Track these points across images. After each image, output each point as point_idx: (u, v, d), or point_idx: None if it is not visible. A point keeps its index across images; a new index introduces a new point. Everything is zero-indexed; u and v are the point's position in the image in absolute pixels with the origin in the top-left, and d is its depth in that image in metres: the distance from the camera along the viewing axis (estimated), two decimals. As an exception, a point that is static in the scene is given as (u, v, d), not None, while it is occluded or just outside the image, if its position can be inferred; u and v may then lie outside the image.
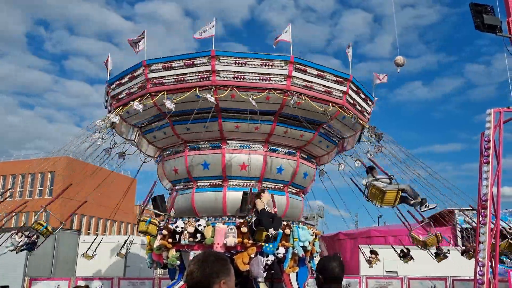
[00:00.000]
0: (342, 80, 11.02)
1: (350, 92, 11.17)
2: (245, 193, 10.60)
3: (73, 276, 15.69)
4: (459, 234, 21.30)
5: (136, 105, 10.26)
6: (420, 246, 12.19)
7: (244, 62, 10.26)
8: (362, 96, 11.83)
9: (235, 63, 10.24)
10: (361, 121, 11.59)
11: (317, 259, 11.65)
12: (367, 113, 12.21)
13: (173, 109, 10.04)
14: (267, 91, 10.15)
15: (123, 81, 11.34)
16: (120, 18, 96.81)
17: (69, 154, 12.45)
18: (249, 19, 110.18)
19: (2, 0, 73.08)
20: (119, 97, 11.47)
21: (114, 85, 11.61)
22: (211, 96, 9.84)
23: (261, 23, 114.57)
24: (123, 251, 17.27)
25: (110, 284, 15.02)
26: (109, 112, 12.01)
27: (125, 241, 17.39)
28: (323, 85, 10.76)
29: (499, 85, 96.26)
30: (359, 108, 11.76)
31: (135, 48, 11.12)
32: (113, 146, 12.81)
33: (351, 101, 11.36)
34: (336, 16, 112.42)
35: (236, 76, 10.21)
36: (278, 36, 10.95)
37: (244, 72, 10.24)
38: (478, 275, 8.34)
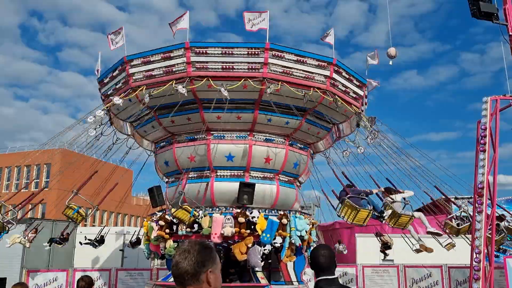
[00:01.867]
0: (325, 64, 10.79)
1: (335, 76, 10.93)
2: (241, 184, 10.61)
3: (71, 267, 15.69)
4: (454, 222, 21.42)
5: (116, 99, 10.30)
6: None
7: (205, 51, 10.23)
8: (352, 79, 11.56)
9: (200, 52, 10.21)
10: (347, 105, 11.32)
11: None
12: (358, 96, 11.91)
13: (147, 103, 10.22)
14: (242, 79, 10.08)
15: (109, 77, 11.55)
16: (114, 9, 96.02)
17: (64, 146, 12.42)
18: (243, 9, 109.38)
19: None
20: (108, 93, 11.65)
21: (103, 82, 11.88)
22: (183, 87, 9.84)
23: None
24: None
25: (108, 275, 15.04)
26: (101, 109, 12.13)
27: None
28: (303, 70, 10.57)
29: (493, 74, 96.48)
30: (350, 92, 11.52)
31: (111, 45, 11.17)
32: (116, 141, 12.94)
33: (338, 85, 11.12)
34: (330, 5, 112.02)
35: (203, 66, 10.20)
36: (247, 21, 10.46)
37: (216, 62, 10.21)
38: (474, 262, 8.41)
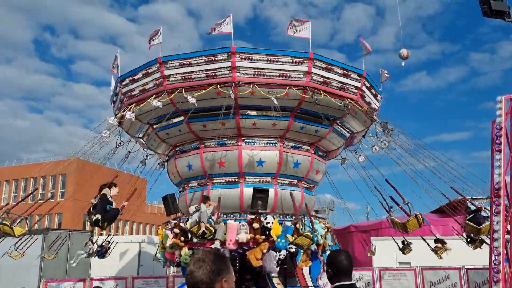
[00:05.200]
0: (357, 76, 11.09)
1: (364, 88, 11.23)
2: (255, 189, 10.61)
3: (88, 276, 15.82)
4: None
5: (155, 102, 10.07)
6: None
7: (251, 57, 10.16)
8: (373, 92, 11.93)
9: (245, 58, 10.13)
10: (374, 117, 11.62)
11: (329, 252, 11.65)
12: (376, 107, 12.28)
13: (196, 104, 9.86)
14: (287, 87, 10.12)
15: (136, 77, 11.10)
16: (124, 20, 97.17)
17: (79, 156, 12.51)
18: (252, 17, 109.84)
19: (9, 7, 73.63)
20: (132, 94, 11.26)
21: (126, 81, 11.36)
22: (232, 92, 9.78)
23: (264, 20, 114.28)
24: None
25: (124, 283, 15.13)
26: (118, 109, 11.97)
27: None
28: (339, 81, 10.79)
29: (504, 72, 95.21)
30: (371, 104, 11.81)
31: (149, 43, 10.98)
32: (119, 145, 12.80)
33: (364, 97, 11.42)
34: (338, 10, 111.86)
35: (256, 73, 10.12)
36: (291, 26, 10.58)
37: (264, 69, 10.15)
38: (493, 264, 8.27)
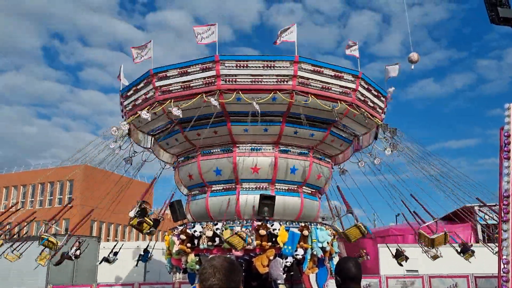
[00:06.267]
0: (351, 77, 10.83)
1: (360, 89, 10.98)
2: (261, 196, 10.59)
3: (95, 282, 15.85)
4: (479, 230, 20.97)
5: (144, 113, 10.30)
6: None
7: (245, 64, 10.19)
8: (374, 92, 11.63)
9: (236, 66, 10.16)
10: (371, 118, 11.39)
11: (336, 259, 11.58)
12: (380, 108, 11.99)
13: (181, 116, 10.03)
14: (272, 92, 10.08)
15: (133, 90, 11.47)
16: (132, 28, 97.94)
17: (87, 162, 12.59)
18: (258, 24, 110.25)
19: (19, 15, 74.50)
20: (130, 106, 11.65)
21: (126, 95, 11.82)
22: (215, 100, 9.84)
23: (270, 27, 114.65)
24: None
25: (131, 289, 15.14)
26: (124, 121, 12.14)
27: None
28: (332, 84, 10.58)
29: (511, 79, 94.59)
30: (371, 105, 11.56)
31: (135, 58, 11.20)
32: (133, 155, 13.06)
33: (362, 98, 11.16)
34: (344, 17, 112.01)
35: (240, 80, 10.15)
36: (279, 35, 10.63)
37: (246, 75, 10.17)
38: (502, 273, 8.19)
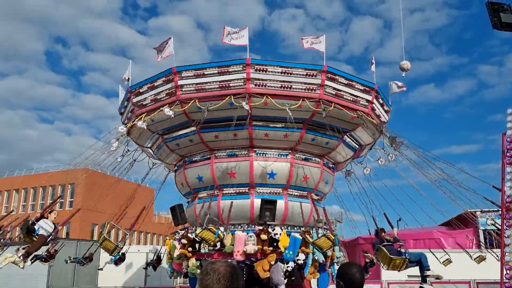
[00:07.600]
0: (368, 89, 11.10)
1: (374, 100, 11.29)
2: (263, 201, 10.57)
3: (95, 286, 15.82)
4: (481, 236, 20.91)
5: (167, 111, 10.12)
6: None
7: (265, 69, 10.20)
8: (385, 108, 12.03)
9: (265, 70, 10.18)
10: (383, 130, 11.67)
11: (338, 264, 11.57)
12: (385, 120, 12.34)
13: (173, 116, 10.06)
14: (301, 99, 10.16)
15: (148, 87, 11.10)
16: (134, 32, 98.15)
17: (88, 165, 12.57)
18: (260, 29, 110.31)
19: (22, 19, 74.93)
20: (143, 103, 11.26)
21: (138, 91, 11.36)
22: (246, 104, 9.81)
23: (272, 33, 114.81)
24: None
25: (131, 293, 15.09)
26: (128, 118, 12.01)
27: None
28: (351, 94, 10.84)
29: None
30: (381, 117, 11.88)
31: (158, 56, 10.92)
32: (125, 153, 12.66)
33: (375, 110, 11.46)
34: (345, 23, 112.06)
35: (269, 84, 10.18)
36: (306, 41, 10.77)
37: (276, 81, 10.20)
38: (505, 279, 8.16)
